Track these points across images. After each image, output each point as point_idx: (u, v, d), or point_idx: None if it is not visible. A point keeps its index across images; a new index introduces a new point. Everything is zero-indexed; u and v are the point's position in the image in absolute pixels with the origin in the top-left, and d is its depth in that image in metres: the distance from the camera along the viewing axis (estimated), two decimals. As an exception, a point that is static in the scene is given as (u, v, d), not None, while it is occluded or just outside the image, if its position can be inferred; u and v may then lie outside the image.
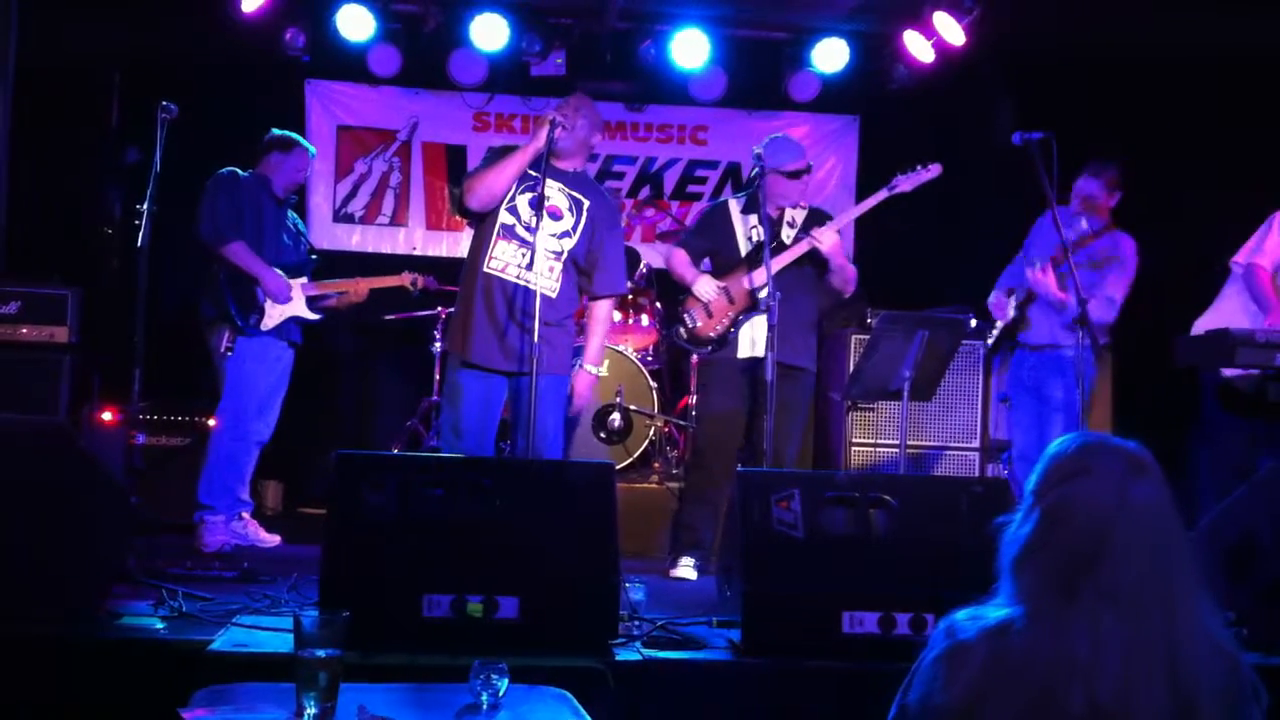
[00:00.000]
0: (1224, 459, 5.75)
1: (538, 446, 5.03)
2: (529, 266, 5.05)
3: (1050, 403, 5.95)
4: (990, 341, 6.31)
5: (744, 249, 5.71)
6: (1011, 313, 6.10)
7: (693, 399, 7.34)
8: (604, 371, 6.08)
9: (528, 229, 5.10)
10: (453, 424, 5.20)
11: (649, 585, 4.23)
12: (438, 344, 7.39)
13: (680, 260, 5.85)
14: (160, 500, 6.20)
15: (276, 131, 6.19)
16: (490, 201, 5.15)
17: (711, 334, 5.70)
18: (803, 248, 5.57)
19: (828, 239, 5.54)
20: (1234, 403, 5.72)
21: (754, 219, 5.70)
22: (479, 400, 5.17)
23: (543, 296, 5.04)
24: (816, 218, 5.79)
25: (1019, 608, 1.93)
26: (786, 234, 5.69)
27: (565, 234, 5.24)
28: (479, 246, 5.22)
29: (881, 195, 5.67)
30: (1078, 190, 5.97)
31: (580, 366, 5.46)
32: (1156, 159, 7.30)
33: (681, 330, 5.80)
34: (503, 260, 5.14)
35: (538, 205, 5.04)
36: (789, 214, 5.74)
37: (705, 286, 5.70)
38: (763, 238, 5.57)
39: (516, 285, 5.12)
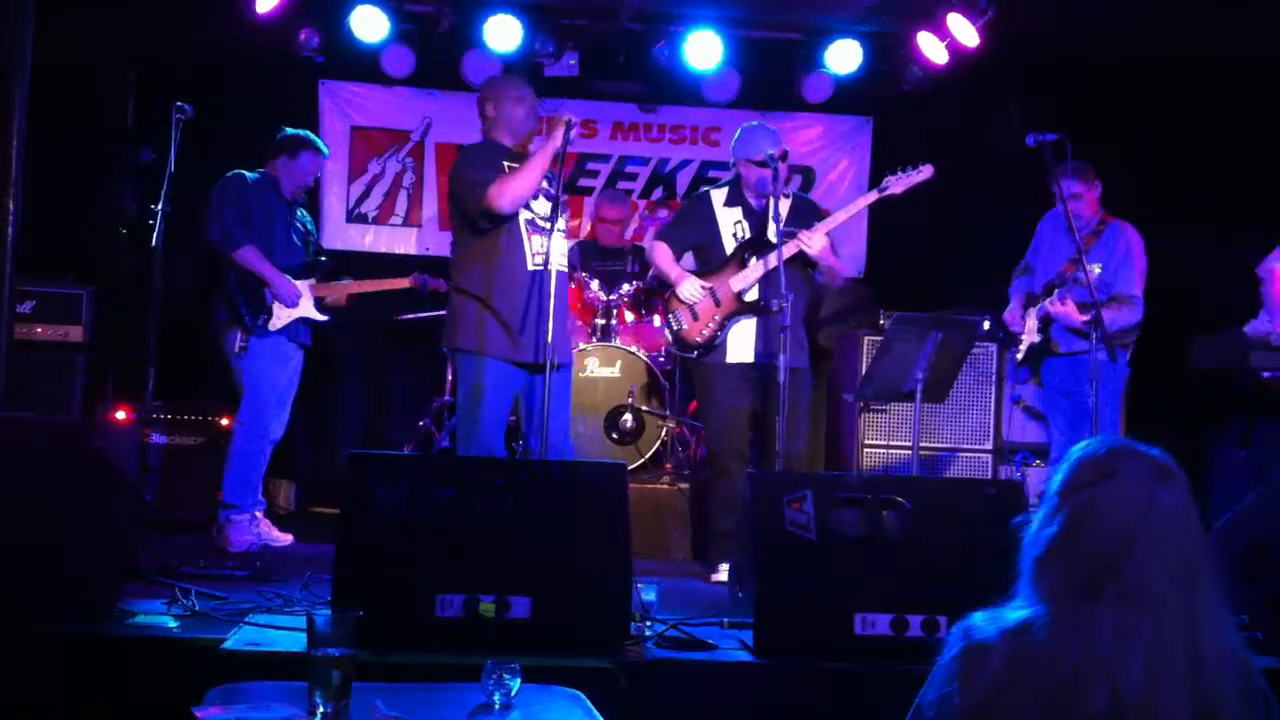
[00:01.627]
0: (1256, 462, 5.72)
1: (567, 436, 5.31)
2: (557, 253, 5.20)
3: (1084, 407, 5.87)
4: (1020, 357, 6.26)
5: (729, 246, 5.64)
6: (1037, 337, 6.08)
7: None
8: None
9: (547, 219, 5.17)
10: (484, 423, 5.20)
11: (660, 585, 4.23)
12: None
13: (662, 255, 5.77)
14: (173, 499, 6.24)
15: (289, 131, 6.19)
16: (520, 205, 5.20)
17: (698, 338, 5.65)
18: (790, 250, 5.44)
19: (817, 242, 5.47)
20: (1271, 406, 5.71)
21: (738, 212, 5.66)
22: (513, 398, 5.28)
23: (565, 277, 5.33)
24: (803, 207, 5.71)
25: (1040, 606, 1.94)
26: (771, 229, 5.56)
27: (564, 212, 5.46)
28: (507, 247, 5.22)
29: (872, 197, 5.59)
30: (1065, 192, 5.89)
31: None
32: (1169, 160, 7.30)
33: (668, 333, 5.78)
34: (542, 253, 5.14)
35: (551, 197, 5.17)
36: (773, 207, 5.64)
37: (690, 289, 5.63)
38: (748, 234, 5.56)
39: (561, 274, 5.21)
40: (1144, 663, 1.84)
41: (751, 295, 5.54)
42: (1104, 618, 1.87)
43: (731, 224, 5.65)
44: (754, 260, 5.50)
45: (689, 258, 5.90)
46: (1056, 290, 5.89)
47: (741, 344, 5.58)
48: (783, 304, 5.14)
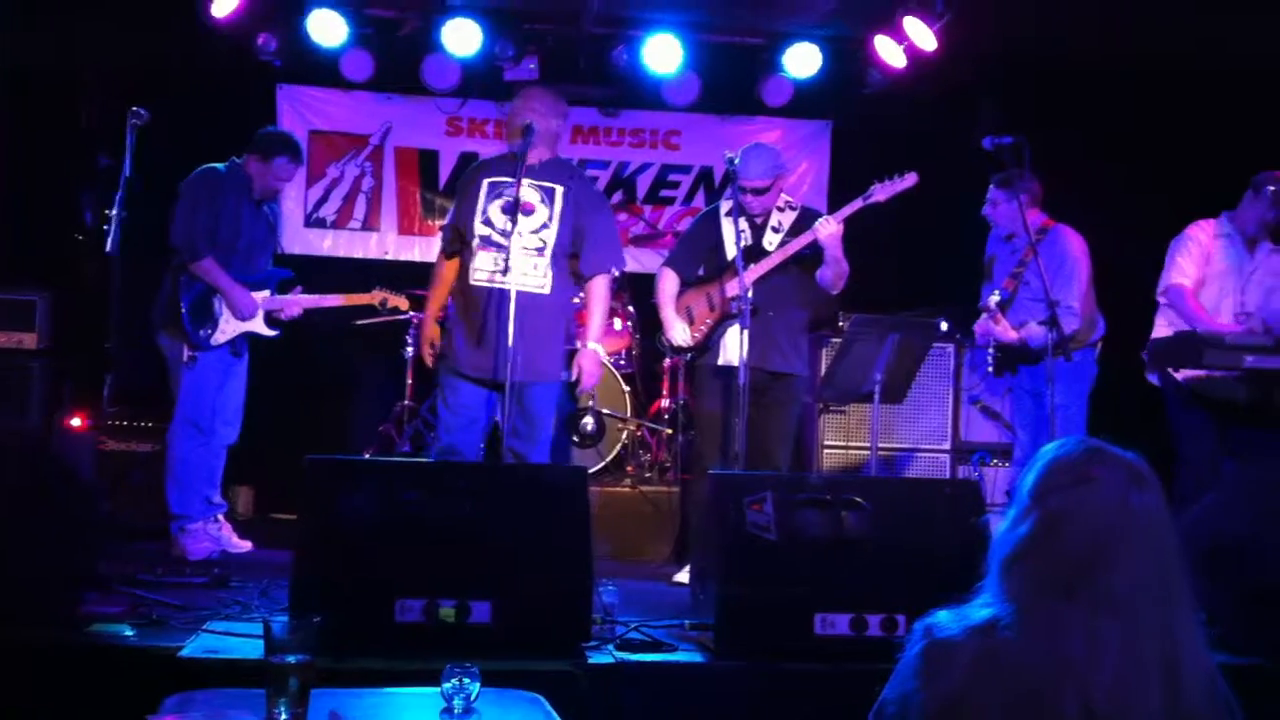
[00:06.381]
0: (1193, 463, 5.76)
1: (531, 455, 5.14)
2: (505, 271, 5.04)
3: (1047, 405, 5.90)
4: (991, 368, 6.27)
5: (730, 253, 5.65)
6: (990, 367, 6.16)
7: (665, 402, 7.36)
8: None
9: (504, 234, 5.11)
10: (444, 427, 5.24)
11: (622, 588, 4.24)
12: (409, 349, 7.39)
13: (662, 291, 5.80)
14: (131, 506, 6.18)
15: (269, 130, 6.13)
16: None
17: (692, 341, 5.70)
18: (794, 246, 5.52)
19: (827, 228, 5.43)
20: (1201, 406, 5.75)
21: (743, 222, 5.66)
22: (467, 409, 5.21)
23: (533, 296, 5.11)
24: (809, 217, 5.70)
25: (1008, 605, 1.92)
26: (770, 239, 5.64)
27: (544, 226, 5.23)
28: (464, 262, 5.25)
29: (857, 205, 5.57)
30: (991, 200, 6.06)
31: (584, 345, 5.46)
32: (1129, 163, 7.36)
33: (664, 338, 5.80)
34: (486, 270, 5.14)
35: (511, 210, 5.03)
36: (775, 218, 5.69)
37: (678, 335, 5.69)
38: (750, 242, 5.59)
39: (501, 291, 5.07)
40: (1115, 669, 1.82)
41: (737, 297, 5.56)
42: (1075, 621, 1.85)
43: (735, 233, 5.62)
44: (750, 266, 5.51)
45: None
46: (988, 313, 5.96)
47: (734, 348, 5.56)
48: (743, 306, 5.17)
